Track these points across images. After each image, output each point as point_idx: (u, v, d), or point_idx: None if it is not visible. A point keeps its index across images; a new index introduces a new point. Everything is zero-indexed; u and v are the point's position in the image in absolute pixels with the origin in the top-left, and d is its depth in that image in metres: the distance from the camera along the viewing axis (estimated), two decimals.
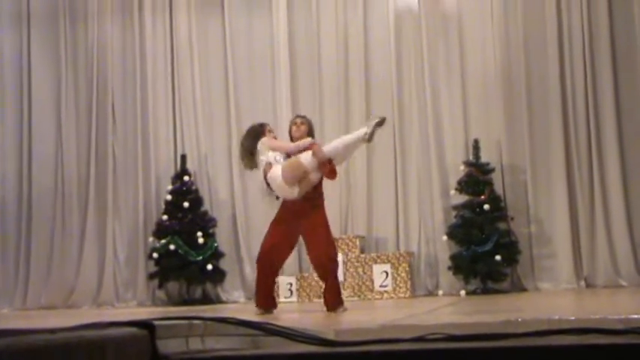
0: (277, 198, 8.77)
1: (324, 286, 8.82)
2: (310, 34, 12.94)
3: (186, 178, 12.59)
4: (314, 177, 8.62)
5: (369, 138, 8.67)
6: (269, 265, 8.73)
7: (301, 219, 8.63)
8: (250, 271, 12.46)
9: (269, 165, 8.64)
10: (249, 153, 8.81)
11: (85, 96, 13.28)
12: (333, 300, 8.67)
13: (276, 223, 8.76)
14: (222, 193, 13.01)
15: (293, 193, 8.55)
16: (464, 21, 12.63)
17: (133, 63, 13.29)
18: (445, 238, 11.99)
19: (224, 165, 13.03)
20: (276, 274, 9.03)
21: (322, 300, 8.86)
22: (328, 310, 8.66)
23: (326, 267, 8.67)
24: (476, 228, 11.74)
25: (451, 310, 8.72)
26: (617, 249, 11.79)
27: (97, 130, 13.16)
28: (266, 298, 8.80)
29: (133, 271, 12.90)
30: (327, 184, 12.35)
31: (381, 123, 8.76)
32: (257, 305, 8.81)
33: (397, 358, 3.74)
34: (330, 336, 4.27)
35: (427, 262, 12.30)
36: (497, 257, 11.58)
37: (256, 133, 8.90)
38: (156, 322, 3.60)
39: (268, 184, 8.64)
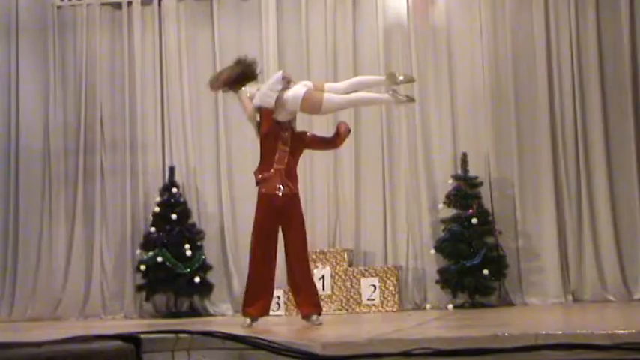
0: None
1: (294, 291, 8.73)
2: (299, 46, 12.94)
3: (174, 190, 12.56)
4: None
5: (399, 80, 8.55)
6: (267, 274, 8.57)
7: (282, 216, 8.53)
8: (238, 284, 12.44)
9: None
10: (238, 81, 8.76)
11: (74, 108, 13.24)
12: (309, 302, 8.62)
13: (263, 232, 8.58)
14: (210, 205, 12.98)
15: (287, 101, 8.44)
16: (453, 36, 12.66)
17: (121, 74, 13.26)
18: (433, 251, 12.00)
19: (212, 177, 13.01)
20: (273, 278, 8.75)
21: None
22: (304, 315, 8.59)
23: (302, 267, 8.63)
24: (464, 242, 11.75)
25: (438, 324, 8.72)
26: (605, 264, 11.83)
27: (85, 142, 13.11)
28: (261, 307, 8.67)
29: (120, 283, 12.85)
30: (315, 193, 12.44)
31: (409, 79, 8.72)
32: (253, 314, 8.67)
33: None
34: (317, 350, 4.26)
35: (415, 275, 12.29)
36: (485, 271, 11.59)
37: (251, 71, 8.85)
38: (142, 336, 3.59)
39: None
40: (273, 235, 8.56)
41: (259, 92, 8.61)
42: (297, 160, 8.78)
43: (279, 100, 8.46)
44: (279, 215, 8.53)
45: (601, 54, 12.16)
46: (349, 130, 9.00)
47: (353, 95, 8.71)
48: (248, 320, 8.55)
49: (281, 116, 8.56)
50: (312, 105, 8.50)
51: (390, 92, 8.56)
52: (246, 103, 8.77)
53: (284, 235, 8.63)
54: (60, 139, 13.17)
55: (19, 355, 2.95)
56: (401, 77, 8.60)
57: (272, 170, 8.53)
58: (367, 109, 12.48)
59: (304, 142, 8.87)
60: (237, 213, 12.72)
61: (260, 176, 8.56)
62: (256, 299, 8.58)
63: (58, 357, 3.08)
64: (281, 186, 8.53)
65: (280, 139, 8.60)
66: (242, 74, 8.82)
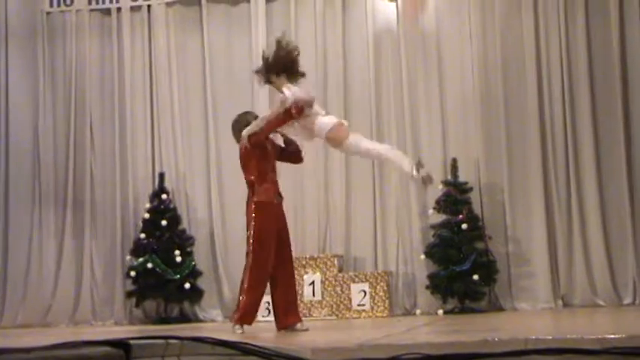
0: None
1: (280, 299, 8.76)
2: None
3: (164, 196, 12.56)
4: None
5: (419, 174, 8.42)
6: (266, 283, 8.66)
7: (278, 224, 8.64)
8: (228, 290, 12.43)
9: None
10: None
11: (63, 114, 13.23)
12: (294, 311, 8.72)
13: (266, 239, 8.54)
14: (200, 211, 12.97)
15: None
16: (442, 41, 12.67)
17: (111, 81, 13.26)
18: (423, 257, 12.00)
19: (202, 183, 13.00)
20: None
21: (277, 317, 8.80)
22: (287, 325, 8.64)
23: (291, 276, 8.76)
24: (454, 247, 11.76)
25: (428, 329, 8.72)
26: (595, 269, 11.84)
27: (75, 148, 13.11)
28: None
29: (110, 290, 12.84)
30: (306, 200, 12.43)
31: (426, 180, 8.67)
32: (249, 323, 8.70)
33: None
34: (307, 355, 4.26)
35: (405, 281, 12.30)
36: (475, 277, 11.60)
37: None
38: (132, 342, 3.58)
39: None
40: (274, 243, 8.58)
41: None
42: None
43: (306, 118, 8.48)
44: (276, 223, 8.62)
45: (591, 58, 12.18)
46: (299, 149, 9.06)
47: (375, 149, 8.68)
48: (240, 328, 8.55)
49: (295, 133, 8.62)
50: (336, 137, 8.48)
51: (414, 166, 8.42)
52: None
53: (279, 244, 8.68)
54: (49, 145, 13.16)
55: None
56: (424, 173, 8.44)
57: (268, 179, 8.63)
58: (355, 111, 12.51)
59: (278, 151, 8.93)
60: (227, 218, 12.71)
61: (260, 187, 8.60)
62: (257, 309, 8.70)
63: None
64: (276, 194, 8.60)
65: (268, 148, 8.67)
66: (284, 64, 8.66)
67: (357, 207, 12.62)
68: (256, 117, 8.88)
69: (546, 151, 12.14)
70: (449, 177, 12.09)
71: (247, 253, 8.54)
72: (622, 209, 11.89)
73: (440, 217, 11.98)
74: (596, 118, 12.09)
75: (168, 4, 13.27)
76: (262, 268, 8.51)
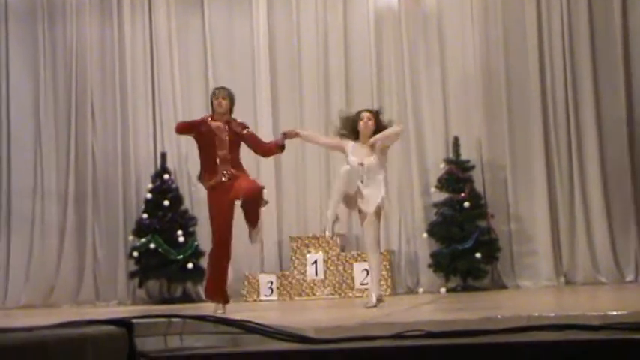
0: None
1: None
2: (290, 33, 12.93)
3: (166, 176, 12.56)
4: None
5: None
6: (225, 256, 8.97)
7: (229, 192, 8.77)
8: (231, 270, 12.35)
9: None
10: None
11: (64, 94, 13.22)
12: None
13: (215, 214, 8.94)
14: (202, 191, 12.88)
15: None
16: (444, 20, 12.64)
17: (112, 61, 13.23)
18: (425, 235, 12.02)
19: None
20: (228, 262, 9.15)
21: None
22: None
23: (258, 194, 8.78)
24: (456, 225, 11.77)
25: (431, 307, 8.74)
26: (597, 246, 11.85)
27: (77, 129, 13.10)
28: (224, 290, 9.04)
29: (113, 270, 12.85)
30: (308, 179, 12.43)
31: None
32: (222, 301, 8.86)
33: (376, 355, 3.75)
34: (310, 333, 4.26)
35: (407, 259, 12.31)
36: (478, 255, 11.61)
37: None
38: (134, 320, 3.58)
39: None
40: (222, 221, 8.80)
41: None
42: (239, 151, 9.00)
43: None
44: (229, 191, 8.76)
45: (593, 36, 12.15)
46: (282, 148, 9.14)
47: (371, 260, 9.07)
48: (221, 308, 8.75)
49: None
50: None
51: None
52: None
53: (237, 193, 8.76)
54: (51, 126, 13.15)
55: (10, 339, 2.95)
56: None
57: (218, 174, 8.93)
58: (357, 91, 12.49)
59: (242, 137, 8.98)
60: None
61: (209, 182, 8.97)
62: (224, 285, 9.11)
63: (50, 342, 3.07)
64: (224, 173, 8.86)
65: (217, 145, 8.89)
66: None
67: None
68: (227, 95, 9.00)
69: (548, 129, 12.13)
70: (451, 155, 12.09)
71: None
72: (624, 186, 11.90)
73: (442, 196, 11.99)
74: (599, 96, 12.07)
75: None
76: (215, 244, 8.97)
